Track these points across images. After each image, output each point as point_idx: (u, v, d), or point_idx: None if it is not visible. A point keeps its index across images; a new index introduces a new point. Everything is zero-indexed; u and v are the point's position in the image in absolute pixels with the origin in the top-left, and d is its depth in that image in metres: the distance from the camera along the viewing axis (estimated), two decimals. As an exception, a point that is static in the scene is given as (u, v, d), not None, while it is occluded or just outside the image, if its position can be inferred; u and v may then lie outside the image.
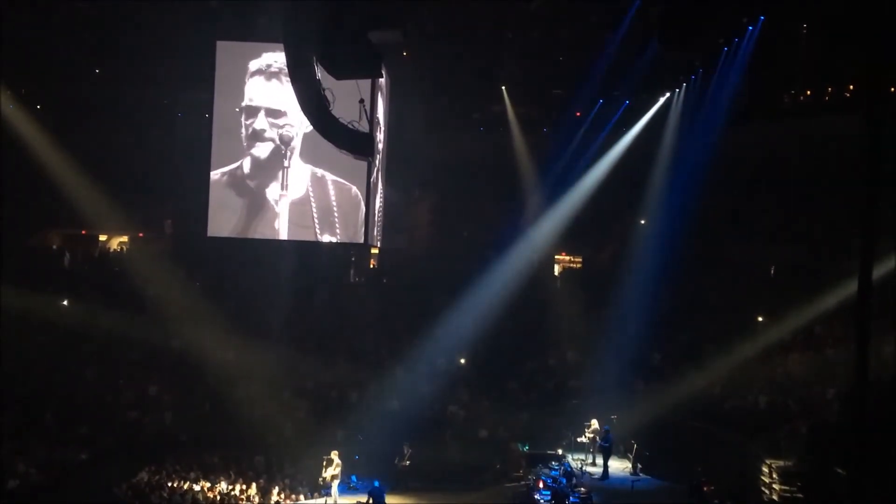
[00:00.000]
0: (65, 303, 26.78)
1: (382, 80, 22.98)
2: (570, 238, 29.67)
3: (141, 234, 30.84)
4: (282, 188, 23.51)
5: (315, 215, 23.62)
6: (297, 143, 23.51)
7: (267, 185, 23.67)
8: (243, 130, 23.53)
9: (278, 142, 23.50)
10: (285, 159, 23.57)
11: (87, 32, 26.21)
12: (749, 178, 26.94)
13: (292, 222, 23.67)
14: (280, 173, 23.54)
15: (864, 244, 12.70)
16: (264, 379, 24.76)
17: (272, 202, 23.67)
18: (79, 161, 26.50)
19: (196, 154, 24.57)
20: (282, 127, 23.37)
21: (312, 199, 23.81)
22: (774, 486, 18.00)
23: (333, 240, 24.08)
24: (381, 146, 24.00)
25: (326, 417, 23.79)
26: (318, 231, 23.72)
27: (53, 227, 30.62)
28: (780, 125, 26.07)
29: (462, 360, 26.22)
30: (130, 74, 27.72)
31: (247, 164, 23.66)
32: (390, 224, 27.22)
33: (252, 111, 23.41)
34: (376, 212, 24.85)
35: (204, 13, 23.80)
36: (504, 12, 26.61)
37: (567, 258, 32.14)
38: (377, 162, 23.68)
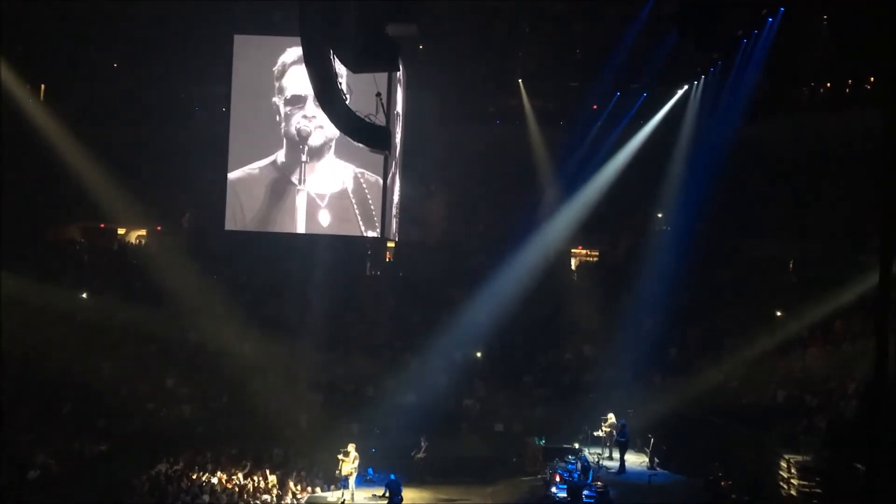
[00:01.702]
0: (83, 295, 26.96)
1: (399, 74, 22.94)
2: (587, 232, 29.59)
3: (159, 228, 30.98)
4: (298, 182, 23.53)
5: (333, 208, 23.63)
6: (315, 135, 23.50)
7: (286, 178, 23.69)
8: (284, 121, 23.49)
9: (300, 132, 23.50)
10: (302, 153, 23.58)
11: (105, 28, 26.36)
12: (767, 172, 26.75)
13: (310, 215, 23.68)
14: (300, 165, 23.55)
15: (884, 239, 12.60)
16: (281, 372, 24.88)
17: (290, 195, 23.69)
18: (97, 155, 26.65)
19: (214, 148, 24.64)
20: (305, 119, 23.35)
21: (330, 192, 23.80)
22: (792, 481, 17.89)
23: (350, 233, 24.08)
24: (397, 139, 23.98)
25: (342, 411, 23.87)
26: (336, 224, 23.71)
27: (72, 220, 30.81)
28: (800, 118, 25.85)
29: (478, 354, 26.22)
30: (148, 69, 27.86)
31: (278, 157, 23.65)
32: (406, 217, 27.21)
33: (298, 100, 23.37)
34: (393, 205, 24.84)
35: (221, 7, 23.85)
36: (521, 5, 26.52)
37: (583, 252, 32.05)
38: (394, 155, 23.66)
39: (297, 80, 22.97)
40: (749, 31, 24.22)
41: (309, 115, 23.24)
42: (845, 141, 24.04)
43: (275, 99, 23.25)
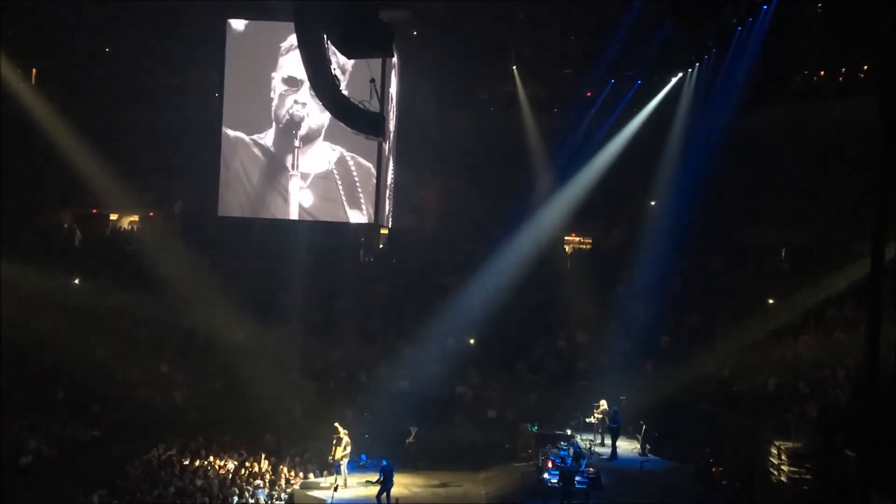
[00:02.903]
0: (76, 281, 26.90)
1: (393, 60, 22.88)
2: (581, 219, 29.61)
3: (151, 214, 30.89)
4: (291, 168, 23.49)
5: (326, 195, 23.61)
6: (308, 121, 23.45)
7: (279, 164, 23.64)
8: (258, 104, 23.36)
9: (293, 118, 23.44)
10: (294, 139, 23.54)
11: (97, 12, 26.16)
12: (761, 160, 26.78)
13: (303, 202, 23.66)
14: (293, 151, 23.51)
15: (877, 227, 12.64)
16: (274, 358, 24.89)
17: (283, 181, 23.65)
18: (90, 140, 26.53)
19: (206, 133, 24.56)
20: (298, 104, 23.29)
21: (323, 179, 23.78)
22: (783, 467, 18.01)
23: (344, 219, 24.07)
24: (391, 126, 23.93)
25: (336, 397, 23.90)
26: (329, 211, 23.69)
27: (65, 205, 30.70)
28: (794, 106, 25.87)
29: (471, 341, 26.25)
30: (141, 54, 27.71)
31: (257, 139, 23.57)
32: (400, 204, 27.20)
33: (270, 84, 23.26)
34: (386, 191, 24.81)
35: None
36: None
37: (577, 239, 32.09)
38: (388, 142, 23.63)
39: (297, 63, 22.86)
40: (744, 19, 24.19)
41: (301, 100, 23.20)
42: (839, 129, 24.07)
43: (273, 76, 23.17)
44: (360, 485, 19.71)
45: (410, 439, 21.58)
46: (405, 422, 22.09)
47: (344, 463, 19.60)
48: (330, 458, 19.84)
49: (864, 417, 14.39)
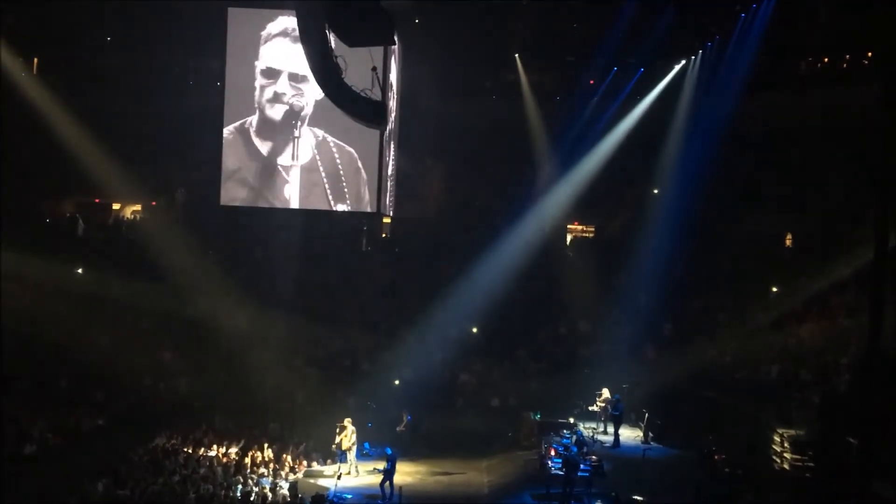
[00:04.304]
0: (79, 270, 26.93)
1: (395, 48, 22.81)
2: (583, 207, 29.58)
3: (154, 203, 30.89)
4: (292, 157, 23.48)
5: (327, 184, 23.61)
6: (308, 110, 23.42)
7: (280, 153, 23.62)
8: (258, 93, 23.29)
9: (293, 108, 23.38)
10: (295, 128, 23.51)
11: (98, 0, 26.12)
12: (764, 147, 26.71)
13: (305, 190, 23.67)
14: (294, 141, 23.48)
15: (880, 214, 12.64)
16: (277, 347, 24.94)
17: (284, 170, 23.65)
18: (92, 129, 26.51)
19: (208, 122, 24.52)
20: (298, 94, 23.25)
21: (324, 168, 23.77)
22: (785, 455, 18.05)
23: (346, 208, 24.06)
24: (393, 114, 23.89)
25: (339, 385, 23.95)
26: (331, 200, 23.72)
27: (67, 194, 30.71)
28: (797, 93, 25.77)
29: (474, 329, 26.28)
30: (142, 42, 27.64)
31: (259, 128, 23.53)
32: (402, 192, 27.16)
33: (273, 73, 23.16)
34: (388, 180, 24.79)
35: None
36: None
37: (579, 227, 32.06)
38: (389, 130, 23.59)
39: (298, 52, 22.84)
40: (747, 6, 24.09)
41: (301, 90, 23.17)
42: (842, 116, 23.99)
43: (274, 65, 23.08)
44: (367, 472, 19.77)
45: (401, 427, 21.63)
46: (409, 410, 22.15)
47: (352, 452, 19.68)
48: (334, 446, 19.91)
49: (866, 405, 14.44)
